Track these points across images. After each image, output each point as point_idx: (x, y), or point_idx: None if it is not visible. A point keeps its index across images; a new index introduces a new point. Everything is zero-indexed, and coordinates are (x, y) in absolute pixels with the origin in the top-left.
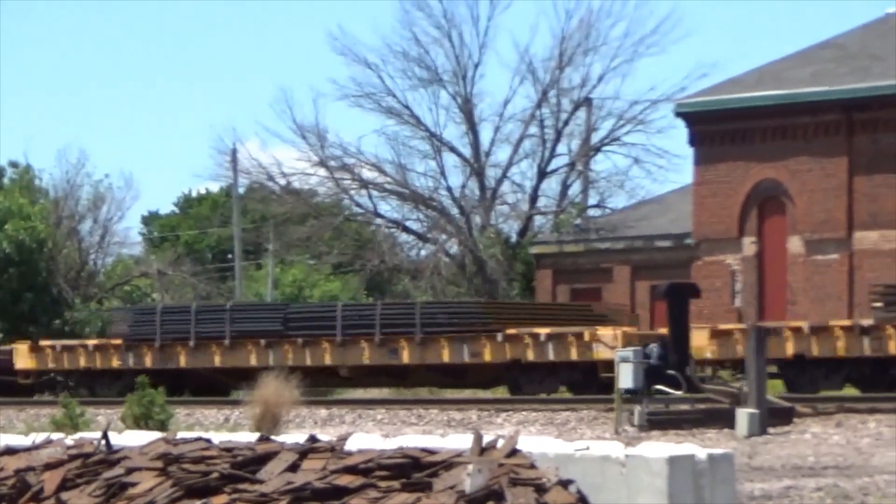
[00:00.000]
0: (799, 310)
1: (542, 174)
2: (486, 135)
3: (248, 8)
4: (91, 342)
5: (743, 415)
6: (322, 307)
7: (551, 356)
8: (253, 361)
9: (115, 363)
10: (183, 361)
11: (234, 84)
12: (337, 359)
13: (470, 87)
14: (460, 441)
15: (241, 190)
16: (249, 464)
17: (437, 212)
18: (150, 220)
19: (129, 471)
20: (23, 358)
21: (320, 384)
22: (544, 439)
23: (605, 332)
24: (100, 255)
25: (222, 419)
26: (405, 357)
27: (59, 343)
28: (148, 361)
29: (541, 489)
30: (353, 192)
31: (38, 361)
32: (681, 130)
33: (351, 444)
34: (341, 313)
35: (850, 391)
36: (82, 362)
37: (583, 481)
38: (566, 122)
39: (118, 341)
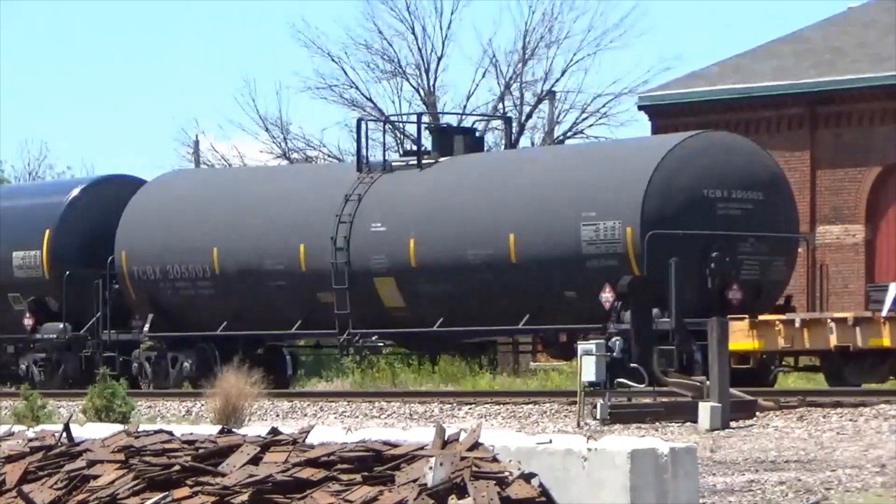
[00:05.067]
0: None
1: None
2: None
3: None
4: None
5: (705, 408)
6: None
7: None
8: None
9: None
10: None
11: (197, 75)
12: None
13: (433, 79)
14: (422, 434)
15: None
16: (211, 456)
17: None
18: None
19: (91, 463)
20: None
21: None
22: (507, 433)
23: None
24: None
25: (184, 411)
26: None
27: None
28: None
29: (503, 483)
30: None
31: None
32: (643, 123)
33: (313, 437)
34: None
35: (811, 384)
36: None
37: (545, 475)
38: (529, 115)
39: None
